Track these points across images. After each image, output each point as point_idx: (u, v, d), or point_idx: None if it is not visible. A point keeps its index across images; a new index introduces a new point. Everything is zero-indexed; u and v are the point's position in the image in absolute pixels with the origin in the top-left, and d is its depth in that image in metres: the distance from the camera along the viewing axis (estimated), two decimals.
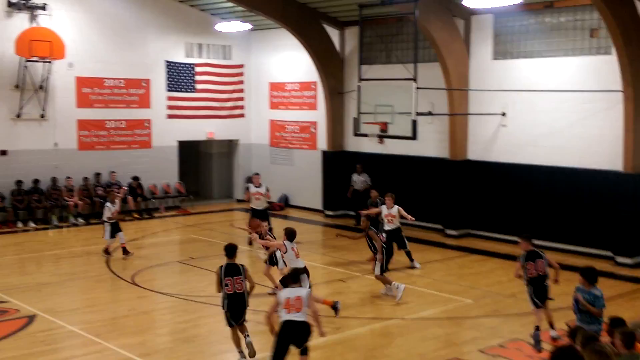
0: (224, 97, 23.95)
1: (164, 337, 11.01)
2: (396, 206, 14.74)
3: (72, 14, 20.61)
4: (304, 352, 8.43)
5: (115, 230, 15.91)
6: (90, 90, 21.11)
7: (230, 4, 21.14)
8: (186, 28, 22.88)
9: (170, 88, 22.77)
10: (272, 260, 12.76)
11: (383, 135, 16.61)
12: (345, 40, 21.60)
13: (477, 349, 10.18)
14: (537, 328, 10.12)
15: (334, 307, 11.27)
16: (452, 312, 12.05)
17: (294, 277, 8.84)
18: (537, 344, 10.05)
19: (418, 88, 15.64)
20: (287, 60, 23.28)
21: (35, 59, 19.20)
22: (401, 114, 15.82)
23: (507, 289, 13.09)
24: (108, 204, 16.06)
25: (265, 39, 23.80)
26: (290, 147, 23.42)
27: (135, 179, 21.64)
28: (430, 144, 18.94)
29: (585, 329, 7.43)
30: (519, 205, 17.39)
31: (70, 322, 11.22)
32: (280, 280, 11.72)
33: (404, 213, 14.72)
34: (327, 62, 21.32)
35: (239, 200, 24.01)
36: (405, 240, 15.04)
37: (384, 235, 13.78)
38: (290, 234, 11.50)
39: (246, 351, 9.58)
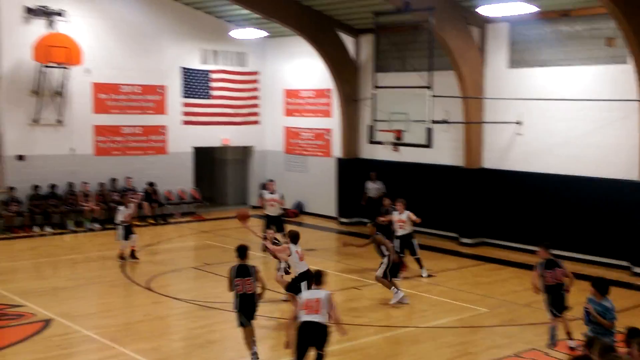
0: (239, 103, 24.05)
1: (178, 342, 11.05)
2: (407, 211, 14.77)
3: (89, 21, 20.79)
4: (320, 358, 8.45)
5: (128, 232, 16.03)
6: (106, 96, 21.28)
7: (245, 11, 21.27)
8: (202, 35, 23.02)
9: (186, 94, 22.90)
10: (287, 271, 12.75)
11: (398, 143, 16.60)
12: (360, 48, 21.64)
13: (493, 358, 10.14)
14: (554, 327, 10.10)
15: None
16: (467, 321, 12.01)
17: (317, 279, 8.89)
18: (552, 339, 10.06)
19: (433, 96, 15.64)
20: (302, 68, 23.35)
21: (52, 64, 19.36)
22: (416, 122, 15.82)
23: (523, 298, 13.03)
24: (121, 207, 16.22)
25: (280, 46, 23.89)
26: (305, 154, 23.47)
27: (151, 184, 21.77)
28: (445, 151, 18.92)
29: (603, 340, 7.39)
30: (535, 214, 17.32)
31: (86, 327, 11.29)
32: (288, 287, 11.70)
33: (413, 216, 14.73)
34: (342, 69, 21.37)
35: (254, 207, 23.96)
36: (416, 246, 14.97)
37: (395, 241, 13.88)
38: (293, 237, 11.61)
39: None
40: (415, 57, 19.24)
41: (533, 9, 15.56)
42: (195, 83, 23.06)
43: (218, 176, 25.51)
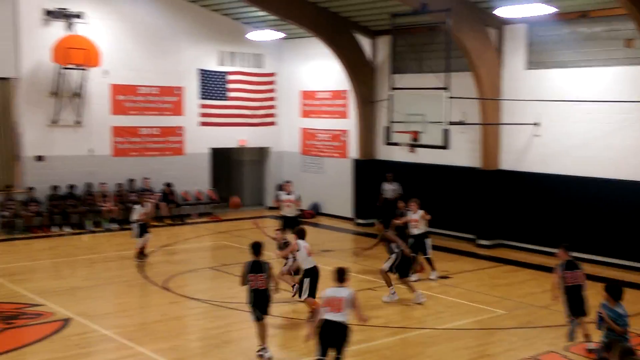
0: (255, 105, 24.13)
1: (196, 342, 11.10)
2: (420, 210, 14.75)
3: (107, 23, 20.95)
4: None
5: (143, 231, 16.17)
6: (124, 97, 21.43)
7: (262, 13, 21.34)
8: (219, 36, 23.12)
9: (203, 96, 23.01)
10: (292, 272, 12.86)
11: (414, 144, 16.59)
12: (376, 49, 21.63)
13: None
14: (573, 327, 10.14)
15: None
16: (485, 323, 11.96)
17: (340, 277, 8.93)
18: (571, 334, 10.09)
19: (450, 97, 15.61)
20: (319, 69, 23.38)
21: (71, 66, 19.53)
22: (433, 123, 15.79)
23: (540, 301, 12.96)
24: (137, 206, 16.38)
25: (297, 48, 23.93)
26: (321, 155, 23.49)
27: (168, 185, 21.89)
28: (462, 153, 18.86)
29: (623, 343, 7.34)
30: (552, 216, 17.23)
31: (104, 326, 11.37)
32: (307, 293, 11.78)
33: (424, 214, 14.72)
34: (359, 70, 21.37)
35: (270, 208, 24.09)
36: (428, 246, 14.88)
37: (409, 241, 14.05)
38: (300, 232, 11.92)
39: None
40: (432, 58, 19.22)
41: (551, 10, 15.47)
42: (213, 84, 23.16)
43: (235, 177, 25.59)
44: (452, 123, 15.82)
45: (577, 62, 16.75)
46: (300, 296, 11.85)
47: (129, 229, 17.05)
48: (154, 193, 21.18)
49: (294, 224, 17.04)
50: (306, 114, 24.04)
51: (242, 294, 10.20)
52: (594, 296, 10.49)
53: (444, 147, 15.80)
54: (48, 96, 19.92)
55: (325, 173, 23.40)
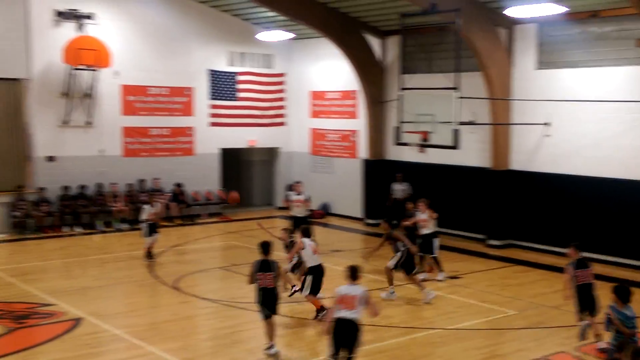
0: (265, 105, 24.17)
1: (206, 342, 11.14)
2: (428, 210, 14.74)
3: (117, 23, 21.04)
4: None
5: (152, 231, 16.26)
6: (134, 98, 21.51)
7: (272, 14, 21.37)
8: (229, 37, 23.17)
9: (213, 96, 23.07)
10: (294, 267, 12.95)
11: (424, 145, 16.57)
12: (386, 50, 21.62)
13: None
14: (587, 324, 10.15)
15: (319, 312, 11.66)
16: (495, 323, 11.94)
17: (352, 274, 8.96)
18: (582, 334, 10.11)
19: (460, 97, 15.58)
20: (328, 69, 23.39)
21: (82, 67, 19.62)
22: (443, 123, 15.77)
23: (551, 301, 12.92)
24: (147, 206, 16.49)
25: (306, 48, 23.95)
26: (331, 156, 23.50)
27: (178, 185, 21.96)
28: (472, 153, 18.82)
29: (634, 344, 7.31)
30: (563, 216, 17.17)
31: (115, 326, 11.42)
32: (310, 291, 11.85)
33: (431, 213, 14.71)
34: (368, 71, 21.37)
35: (280, 208, 24.12)
36: (435, 246, 14.78)
37: (417, 241, 14.17)
38: (305, 231, 12.09)
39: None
40: (442, 58, 19.19)
41: (561, 9, 15.42)
42: (222, 85, 23.22)
43: (244, 177, 25.64)
44: (462, 123, 15.78)
45: (588, 62, 16.69)
46: (301, 292, 11.93)
47: (139, 228, 17.11)
48: (164, 193, 21.28)
49: (304, 224, 17.11)
50: (316, 114, 24.06)
51: (252, 293, 10.24)
52: (605, 296, 10.44)
53: (454, 147, 15.77)
54: (59, 97, 20.01)
55: (334, 173, 23.41)
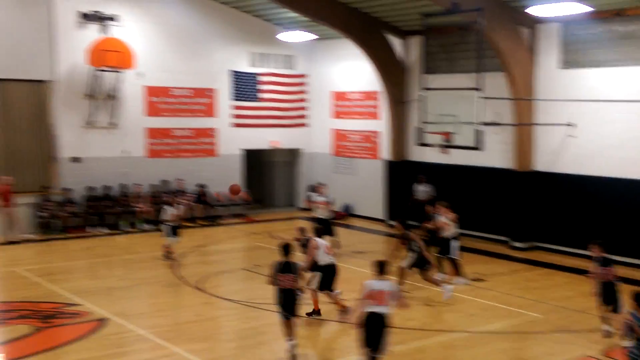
0: (287, 106, 24.23)
1: (230, 343, 11.20)
2: (449, 214, 14.69)
3: (140, 25, 21.21)
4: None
5: (174, 232, 16.37)
6: (158, 99, 21.67)
7: (294, 14, 21.40)
8: (250, 38, 23.25)
9: (235, 97, 23.17)
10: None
11: (447, 145, 16.50)
12: (408, 50, 21.56)
13: None
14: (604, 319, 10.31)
15: (314, 313, 11.85)
16: (519, 327, 11.86)
17: (380, 269, 9.08)
18: (607, 332, 10.23)
19: (483, 97, 15.50)
20: (350, 70, 23.38)
21: (106, 68, 19.80)
22: (465, 124, 15.69)
23: (577, 304, 12.81)
24: (168, 207, 16.61)
25: (328, 49, 23.96)
26: (353, 157, 23.49)
27: (201, 186, 22.07)
28: (495, 154, 18.71)
29: None
30: (588, 218, 17.00)
31: (140, 326, 11.51)
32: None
33: (451, 215, 14.64)
34: (390, 71, 21.32)
35: (302, 209, 24.18)
36: (453, 248, 14.61)
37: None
38: (318, 231, 12.28)
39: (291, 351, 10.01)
40: (464, 58, 19.08)
41: (586, 8, 15.27)
42: (245, 86, 23.30)
43: (267, 178, 25.71)
44: (484, 124, 15.72)
45: (613, 62, 16.51)
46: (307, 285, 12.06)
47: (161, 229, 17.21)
48: (187, 194, 21.40)
49: (326, 226, 17.19)
50: (337, 114, 24.06)
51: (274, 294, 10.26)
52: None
53: (476, 148, 15.69)
54: (83, 98, 20.21)
55: (356, 174, 23.39)
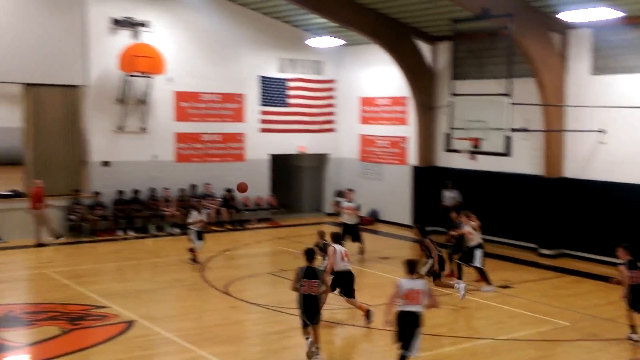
0: (315, 111, 24.28)
1: (255, 347, 11.23)
2: (472, 222, 14.59)
3: (171, 31, 21.42)
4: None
5: (199, 236, 16.52)
6: (187, 104, 21.86)
7: (322, 20, 21.47)
8: (279, 44, 23.36)
9: (264, 102, 23.27)
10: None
11: (475, 151, 16.39)
12: (437, 55, 21.48)
13: None
14: (632, 328, 10.22)
15: (368, 314, 11.82)
16: (547, 335, 11.71)
17: (410, 268, 9.21)
18: (636, 342, 10.10)
19: (512, 103, 15.38)
20: (378, 75, 23.36)
21: (137, 74, 20.02)
22: (494, 130, 15.57)
23: (606, 313, 12.63)
24: (194, 211, 16.78)
25: (356, 54, 23.97)
26: (380, 162, 23.45)
27: (229, 191, 22.18)
28: (524, 160, 18.55)
29: None
30: (617, 225, 16.75)
31: (166, 329, 11.58)
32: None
33: (474, 224, 14.53)
34: (418, 77, 21.26)
35: (329, 214, 24.20)
36: (476, 257, 14.46)
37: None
38: (336, 237, 12.23)
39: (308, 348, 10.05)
40: (494, 64, 18.96)
41: (617, 14, 15.10)
42: (273, 91, 23.41)
43: (294, 183, 25.78)
44: (514, 130, 15.57)
45: None
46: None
47: (187, 233, 17.33)
48: (215, 198, 21.54)
49: (354, 231, 17.25)
50: (365, 120, 24.05)
51: None
52: None
53: (505, 155, 15.56)
54: (114, 103, 20.46)
55: (384, 180, 23.34)
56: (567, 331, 11.86)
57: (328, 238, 12.62)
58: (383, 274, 15.84)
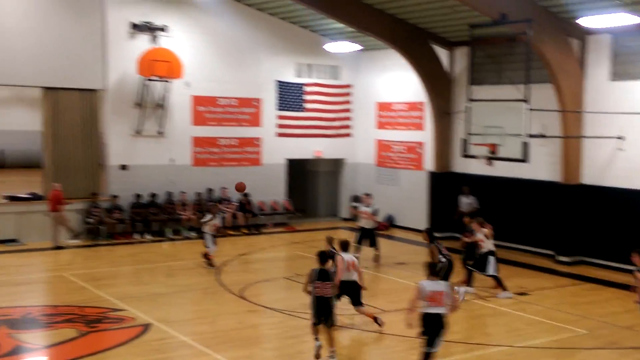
0: (331, 116, 24.30)
1: (271, 351, 11.23)
2: (483, 229, 14.53)
3: (189, 35, 21.54)
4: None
5: (214, 240, 16.70)
6: (204, 108, 21.95)
7: (340, 25, 21.49)
8: (297, 48, 23.41)
9: (280, 107, 23.33)
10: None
11: (492, 157, 16.33)
12: (454, 61, 21.42)
13: None
14: None
15: (376, 321, 11.84)
16: (564, 342, 11.61)
17: (432, 270, 9.34)
18: None
19: (530, 109, 15.31)
20: (395, 81, 23.34)
21: (155, 78, 20.15)
22: (512, 136, 15.51)
23: (624, 321, 12.52)
24: (208, 215, 16.90)
25: (373, 59, 23.97)
26: (397, 167, 23.41)
27: (245, 195, 22.21)
28: (542, 166, 18.45)
29: None
30: (637, 233, 16.57)
31: (182, 332, 11.62)
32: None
33: (486, 230, 14.46)
34: (436, 82, 21.21)
35: (345, 219, 24.19)
36: (489, 264, 14.36)
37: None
38: (343, 245, 12.11)
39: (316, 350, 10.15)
40: (512, 69, 18.87)
41: (637, 19, 14.97)
42: (290, 96, 23.46)
43: (310, 188, 25.79)
44: (531, 136, 15.50)
45: None
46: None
47: (202, 237, 17.39)
48: (231, 202, 21.60)
49: (371, 236, 17.29)
50: (382, 125, 24.03)
51: None
52: None
53: (523, 161, 15.50)
54: (132, 107, 20.59)
55: (400, 185, 23.29)
56: (585, 339, 11.76)
57: (336, 246, 12.54)
58: (399, 279, 15.80)
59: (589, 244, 17.70)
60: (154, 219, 20.74)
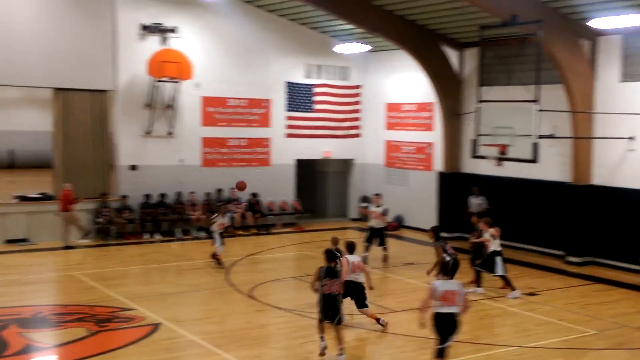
0: (341, 117, 24.31)
1: (280, 351, 11.24)
2: (490, 229, 14.49)
3: (199, 36, 21.61)
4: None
5: (222, 240, 16.74)
6: (214, 109, 22.02)
7: (349, 26, 21.51)
8: (306, 49, 23.43)
9: (290, 108, 23.36)
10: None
11: (502, 158, 16.30)
12: (464, 62, 21.40)
13: None
14: None
15: (379, 322, 11.86)
16: (574, 343, 11.57)
17: (445, 270, 9.49)
18: None
19: (540, 110, 15.27)
20: (404, 81, 23.33)
21: (165, 79, 20.22)
22: (521, 137, 15.47)
23: (635, 321, 12.47)
24: (217, 215, 16.95)
25: (383, 60, 23.97)
26: (406, 168, 23.40)
27: (254, 195, 22.29)
28: (552, 167, 18.39)
29: None
30: None
31: (192, 332, 11.65)
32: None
33: (493, 231, 14.42)
34: (445, 83, 21.19)
35: (353, 219, 24.20)
36: (497, 264, 14.31)
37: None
38: (349, 247, 12.08)
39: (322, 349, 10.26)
40: (522, 70, 18.82)
41: None
42: (299, 97, 23.49)
43: (319, 188, 25.81)
44: (541, 136, 15.47)
45: None
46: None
47: (211, 237, 17.43)
48: (240, 203, 21.65)
49: (380, 236, 17.34)
50: (391, 126, 24.02)
51: None
52: None
53: (532, 161, 15.47)
54: (142, 108, 20.67)
55: (409, 185, 23.28)
56: (595, 340, 11.72)
57: (342, 247, 12.53)
58: (408, 279, 15.80)
59: (599, 245, 17.64)
60: (164, 219, 20.81)
